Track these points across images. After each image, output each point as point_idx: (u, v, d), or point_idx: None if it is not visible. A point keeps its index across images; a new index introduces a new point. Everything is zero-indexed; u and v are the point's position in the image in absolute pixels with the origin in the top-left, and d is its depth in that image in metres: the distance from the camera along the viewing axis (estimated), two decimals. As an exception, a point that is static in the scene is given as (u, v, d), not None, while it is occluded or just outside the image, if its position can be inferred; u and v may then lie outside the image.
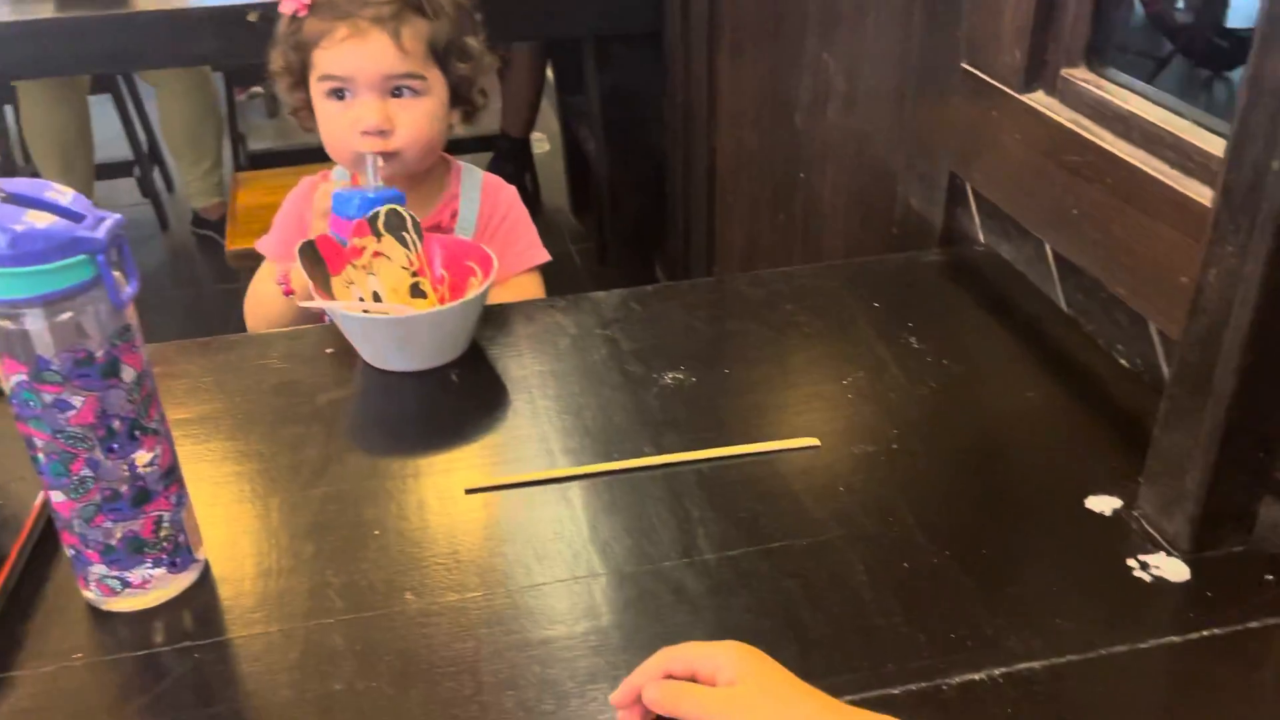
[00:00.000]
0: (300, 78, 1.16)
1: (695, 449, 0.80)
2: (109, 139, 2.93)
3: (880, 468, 0.79)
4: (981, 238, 1.09)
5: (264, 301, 1.17)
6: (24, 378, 0.57)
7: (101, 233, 0.56)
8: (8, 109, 2.88)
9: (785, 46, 1.61)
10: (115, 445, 0.60)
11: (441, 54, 1.14)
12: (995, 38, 0.99)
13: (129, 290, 0.59)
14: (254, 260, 1.92)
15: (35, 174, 2.93)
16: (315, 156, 2.28)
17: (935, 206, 1.15)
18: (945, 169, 1.12)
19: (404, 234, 0.96)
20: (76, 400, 0.58)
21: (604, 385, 0.90)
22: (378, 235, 0.96)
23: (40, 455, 0.60)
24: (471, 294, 0.91)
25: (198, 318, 2.55)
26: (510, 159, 2.96)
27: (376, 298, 0.95)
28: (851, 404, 0.86)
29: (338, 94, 1.12)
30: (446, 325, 0.91)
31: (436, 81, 1.14)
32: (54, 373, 0.57)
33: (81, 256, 0.56)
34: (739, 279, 1.08)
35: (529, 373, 0.92)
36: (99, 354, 0.58)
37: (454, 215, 1.22)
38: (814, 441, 0.81)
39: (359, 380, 0.92)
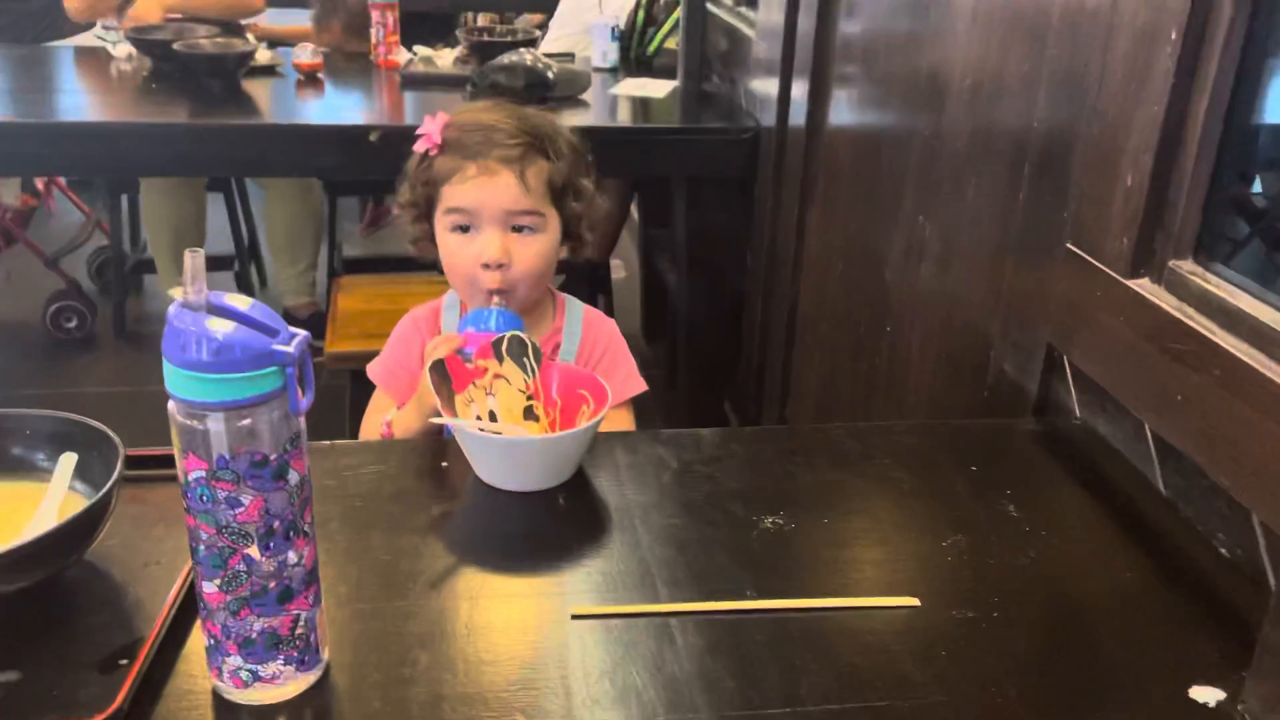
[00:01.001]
0: (425, 211, 1.24)
1: (796, 596, 0.82)
2: (211, 232, 3.08)
3: (981, 635, 0.80)
4: (1078, 411, 1.11)
5: (374, 432, 1.23)
6: (202, 474, 0.62)
7: (294, 348, 0.61)
8: (123, 197, 3.05)
9: (880, 204, 1.67)
10: (272, 544, 0.64)
11: (559, 193, 1.22)
12: (1103, 224, 1.03)
13: (305, 401, 0.63)
14: (351, 362, 2.01)
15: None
16: (403, 265, 2.38)
17: (1030, 375, 1.18)
18: (1043, 340, 1.15)
19: (524, 359, 1.01)
20: (246, 499, 0.62)
21: (705, 523, 0.92)
22: (500, 359, 1.01)
23: (201, 547, 0.64)
24: (584, 424, 0.95)
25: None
26: (586, 280, 3.06)
27: (493, 417, 1.00)
28: (951, 567, 0.87)
29: (462, 228, 1.19)
30: (559, 451, 0.95)
31: (552, 218, 1.22)
32: (230, 471, 0.62)
33: (273, 368, 0.61)
34: (837, 429, 1.11)
35: (631, 503, 0.95)
36: (272, 457, 0.62)
37: (556, 348, 1.28)
38: (914, 601, 0.82)
39: (470, 495, 0.95)
